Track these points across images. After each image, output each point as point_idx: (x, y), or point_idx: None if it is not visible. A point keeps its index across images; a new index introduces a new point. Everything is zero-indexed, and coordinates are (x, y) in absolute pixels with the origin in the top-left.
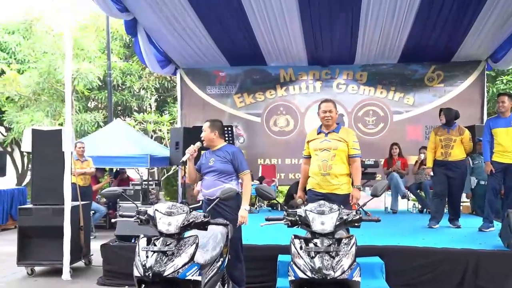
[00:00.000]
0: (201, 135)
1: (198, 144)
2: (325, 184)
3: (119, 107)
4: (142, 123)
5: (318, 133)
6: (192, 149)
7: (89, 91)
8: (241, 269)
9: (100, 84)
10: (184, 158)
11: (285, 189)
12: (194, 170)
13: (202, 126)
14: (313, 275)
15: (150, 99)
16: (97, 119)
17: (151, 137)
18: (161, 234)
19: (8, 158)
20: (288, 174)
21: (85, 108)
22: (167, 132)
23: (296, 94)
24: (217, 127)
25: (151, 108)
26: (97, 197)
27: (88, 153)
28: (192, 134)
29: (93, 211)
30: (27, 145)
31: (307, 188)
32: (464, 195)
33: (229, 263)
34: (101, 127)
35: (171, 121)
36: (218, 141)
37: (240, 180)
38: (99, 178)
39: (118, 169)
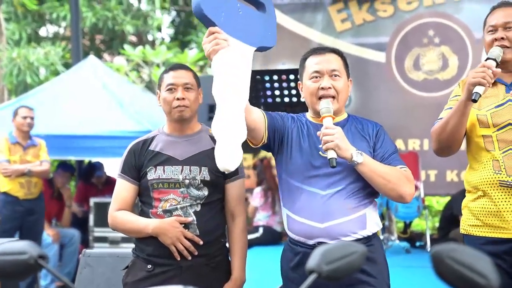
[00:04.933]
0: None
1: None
2: None
3: (98, 35)
4: (142, 66)
5: (494, 84)
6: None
7: (38, 3)
8: None
9: None
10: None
11: (439, 203)
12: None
13: (265, 72)
14: None
15: (161, 18)
16: (52, 59)
17: None
18: None
19: None
20: (445, 172)
21: (30, 36)
22: None
23: (463, 0)
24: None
25: (161, 36)
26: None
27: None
28: None
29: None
30: None
31: (471, 233)
32: None
33: None
34: (59, 73)
35: (200, 63)
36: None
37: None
38: (59, 184)
39: (91, 163)
